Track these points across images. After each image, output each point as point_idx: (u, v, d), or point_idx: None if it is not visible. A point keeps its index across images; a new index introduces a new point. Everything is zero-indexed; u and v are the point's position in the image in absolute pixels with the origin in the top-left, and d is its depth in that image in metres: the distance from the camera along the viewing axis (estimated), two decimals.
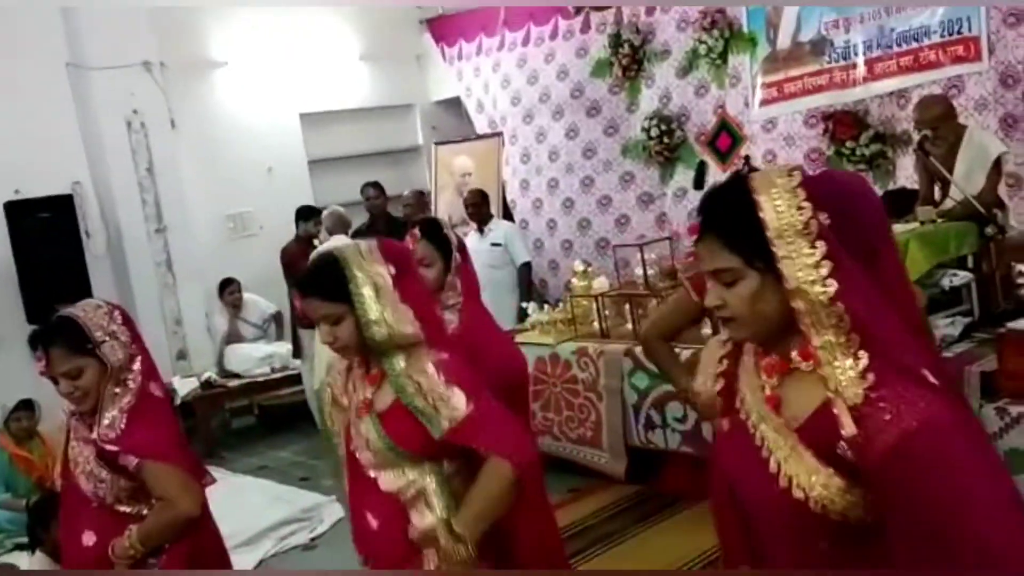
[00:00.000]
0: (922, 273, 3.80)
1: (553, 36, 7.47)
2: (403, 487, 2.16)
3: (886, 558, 1.32)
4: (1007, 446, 3.25)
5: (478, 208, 6.53)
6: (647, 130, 6.83)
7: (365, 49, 8.43)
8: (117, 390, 2.42)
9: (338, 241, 6.52)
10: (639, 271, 4.88)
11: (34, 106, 6.52)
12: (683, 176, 6.84)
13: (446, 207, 7.67)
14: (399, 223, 6.90)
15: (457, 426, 2.09)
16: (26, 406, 5.52)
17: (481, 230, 6.51)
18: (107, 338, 2.41)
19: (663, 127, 6.75)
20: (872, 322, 1.34)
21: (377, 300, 2.13)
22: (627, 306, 4.96)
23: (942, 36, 5.36)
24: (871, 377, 1.31)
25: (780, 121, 6.19)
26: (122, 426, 2.39)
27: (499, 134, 7.82)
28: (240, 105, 7.79)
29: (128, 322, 2.50)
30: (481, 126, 8.19)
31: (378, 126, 8.57)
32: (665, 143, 6.78)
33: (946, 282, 3.89)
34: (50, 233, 6.39)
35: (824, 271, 1.33)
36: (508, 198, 7.82)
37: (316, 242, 6.81)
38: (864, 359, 1.33)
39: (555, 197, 7.59)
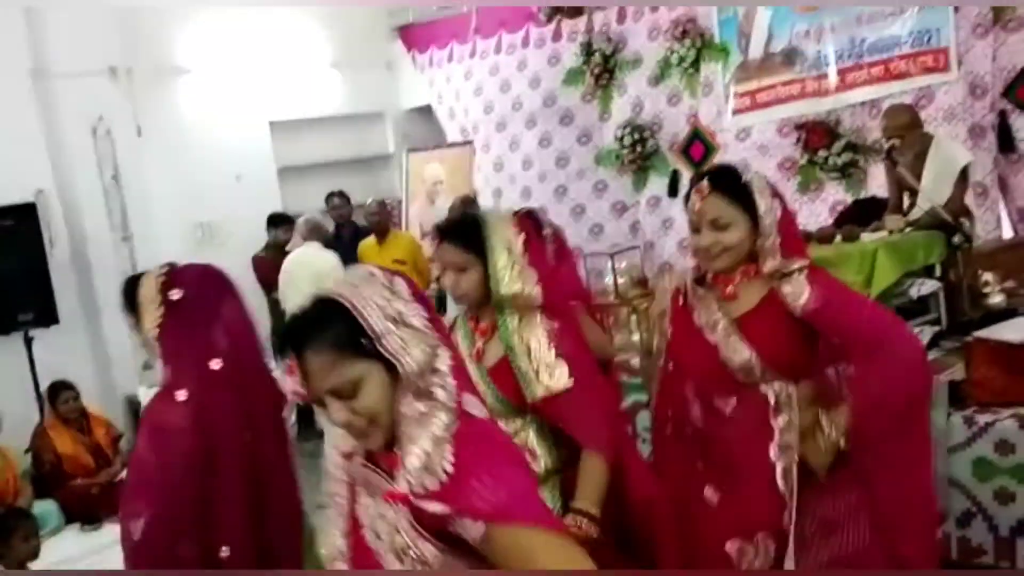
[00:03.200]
0: (891, 282, 3.79)
1: (525, 44, 7.44)
2: (512, 434, 2.29)
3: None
4: (974, 455, 3.24)
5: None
6: (620, 139, 6.81)
7: (336, 56, 8.36)
8: (422, 408, 1.48)
9: (312, 248, 6.46)
10: (610, 280, 4.85)
11: None
12: (656, 185, 6.83)
13: (417, 215, 7.61)
14: (364, 232, 6.85)
15: (551, 397, 2.26)
16: None
17: None
18: (392, 326, 1.48)
19: (636, 136, 6.73)
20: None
21: (508, 258, 2.32)
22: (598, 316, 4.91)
23: (912, 47, 5.39)
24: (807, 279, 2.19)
25: (754, 130, 6.19)
26: (447, 468, 1.44)
27: (470, 142, 7.78)
28: (208, 112, 7.68)
29: (421, 298, 1.56)
30: (453, 134, 8.15)
31: (349, 134, 8.49)
32: (638, 152, 6.76)
33: (914, 291, 3.89)
34: (12, 241, 6.25)
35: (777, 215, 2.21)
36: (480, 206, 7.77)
37: (287, 249, 6.76)
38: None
39: (528, 206, 7.53)
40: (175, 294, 2.33)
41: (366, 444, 1.52)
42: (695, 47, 6.37)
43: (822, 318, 2.16)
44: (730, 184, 2.20)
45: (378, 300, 1.47)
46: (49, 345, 6.26)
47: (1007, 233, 5.18)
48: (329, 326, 1.46)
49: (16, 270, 6.21)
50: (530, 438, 2.35)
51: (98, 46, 6.83)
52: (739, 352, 2.21)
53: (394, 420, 1.48)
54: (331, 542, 1.60)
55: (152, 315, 2.30)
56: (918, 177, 4.43)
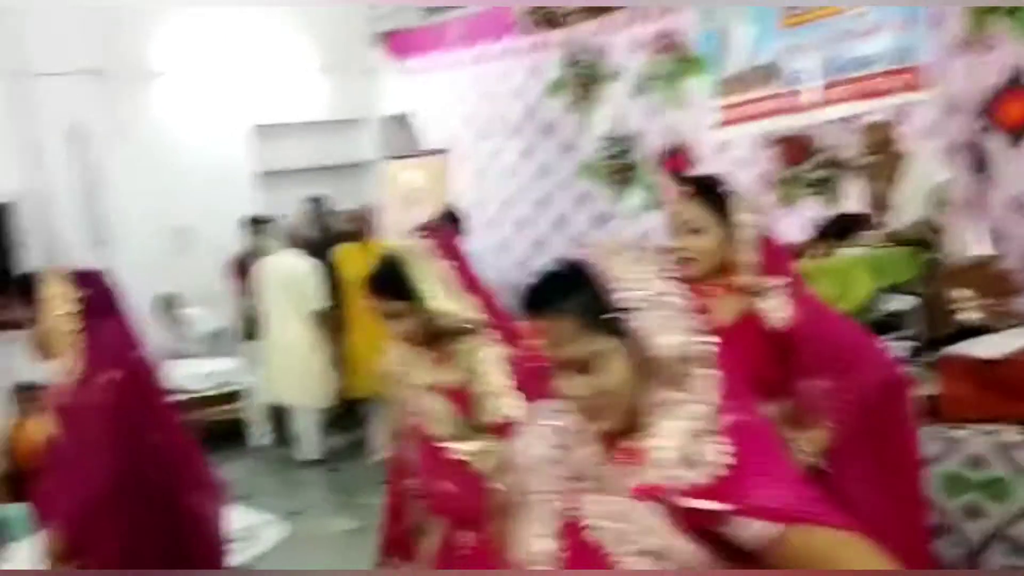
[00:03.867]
0: (866, 297, 3.82)
1: (507, 54, 7.45)
2: (472, 454, 2.38)
3: None
4: (946, 470, 3.26)
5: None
6: (601, 151, 6.83)
7: (317, 62, 8.34)
8: (674, 396, 1.35)
9: (291, 255, 6.42)
10: None
11: None
12: (638, 196, 6.85)
13: (395, 222, 7.58)
14: (342, 237, 6.82)
15: (499, 423, 2.31)
16: None
17: None
18: (648, 304, 1.34)
19: (616, 148, 6.76)
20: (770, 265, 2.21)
21: (444, 293, 2.39)
22: None
23: (889, 64, 5.44)
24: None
25: (733, 144, 6.23)
26: (724, 463, 1.31)
27: (445, 150, 7.78)
28: (187, 116, 7.65)
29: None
30: (433, 142, 8.13)
31: (328, 139, 8.47)
32: (619, 164, 6.78)
33: (889, 306, 3.92)
34: None
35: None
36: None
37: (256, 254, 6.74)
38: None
39: (510, 216, 7.55)
40: (86, 291, 2.52)
41: (596, 425, 1.35)
42: (676, 60, 6.41)
43: (801, 334, 2.12)
44: (708, 190, 2.21)
45: (637, 274, 1.34)
46: (21, 349, 6.17)
47: (980, 251, 5.23)
48: (578, 292, 1.33)
49: None
50: (487, 456, 2.36)
51: (76, 47, 6.80)
52: None
53: (634, 406, 1.33)
54: (535, 545, 1.42)
55: (63, 309, 2.48)
56: (895, 193, 4.48)
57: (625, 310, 1.31)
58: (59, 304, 2.50)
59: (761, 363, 2.18)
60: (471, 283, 2.49)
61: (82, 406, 2.45)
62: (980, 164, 5.19)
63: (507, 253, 7.56)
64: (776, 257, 2.24)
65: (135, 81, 7.36)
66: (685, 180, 2.29)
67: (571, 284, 1.34)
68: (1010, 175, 5.11)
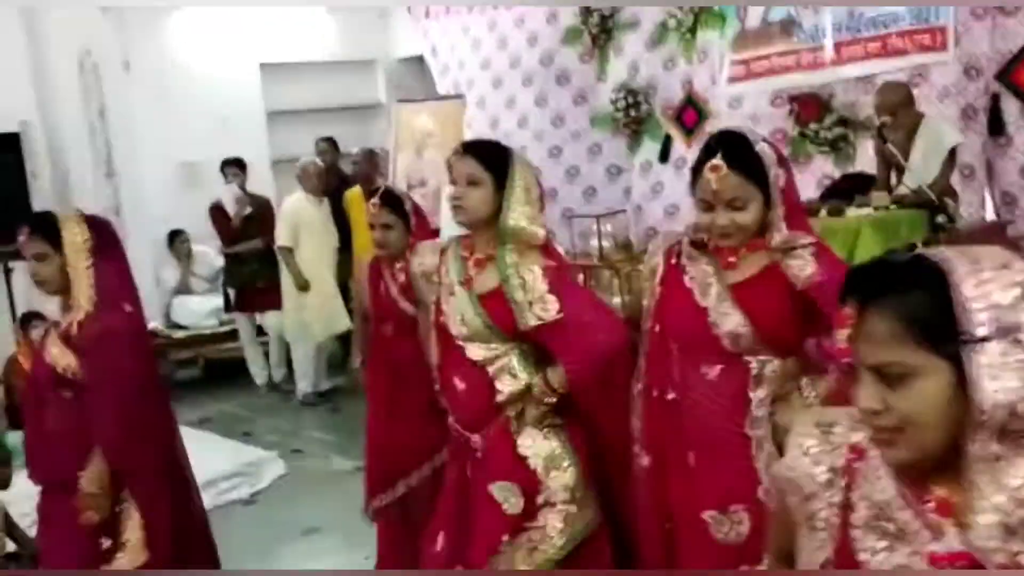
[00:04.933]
0: (872, 258, 3.81)
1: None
2: (489, 358, 2.46)
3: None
4: None
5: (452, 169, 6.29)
6: (614, 102, 6.76)
7: (329, 1, 8.25)
8: (1000, 451, 1.20)
9: (305, 196, 6.39)
10: (595, 242, 4.86)
11: None
12: (649, 149, 6.78)
13: (405, 166, 7.56)
14: (348, 180, 6.81)
15: (542, 326, 2.38)
16: None
17: None
18: (1004, 336, 1.15)
19: (630, 99, 6.68)
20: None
21: (524, 195, 2.43)
22: (580, 277, 4.93)
23: (910, 24, 5.35)
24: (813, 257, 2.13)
25: (746, 99, 6.16)
26: None
27: (462, 96, 7.71)
28: (198, 51, 7.59)
29: None
30: (446, 87, 8.06)
31: (340, 81, 8.41)
32: (632, 116, 6.71)
33: None
34: None
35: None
36: None
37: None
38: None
39: None
40: (96, 232, 2.69)
41: (887, 454, 1.16)
42: (693, 12, 6.31)
43: (825, 292, 2.03)
44: (745, 159, 2.11)
45: (998, 296, 1.09)
46: (28, 276, 6.22)
47: (990, 216, 5.21)
48: (914, 292, 1.11)
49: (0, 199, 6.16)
50: (512, 362, 2.46)
51: None
52: (729, 318, 2.15)
53: (941, 448, 1.12)
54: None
55: (82, 247, 2.64)
56: (907, 155, 4.44)
57: (968, 333, 1.08)
58: (76, 242, 2.65)
59: (779, 318, 2.16)
60: (542, 209, 2.53)
61: (109, 334, 2.61)
62: (996, 128, 5.14)
63: None
64: (797, 211, 2.21)
65: (148, 15, 7.30)
66: (716, 149, 2.12)
67: (909, 280, 1.13)
68: None
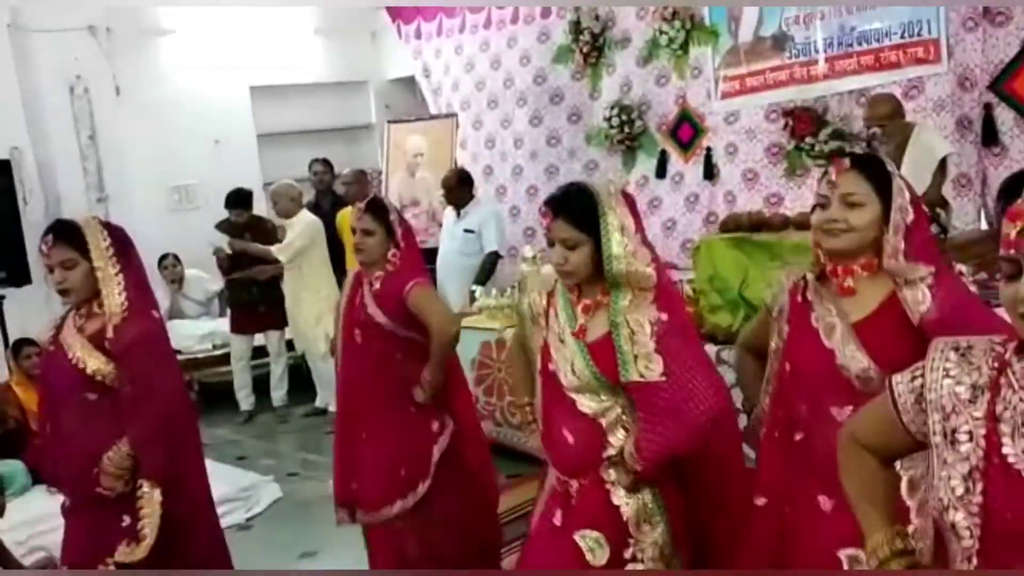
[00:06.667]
0: None
1: (514, 20, 7.36)
2: (601, 410, 2.37)
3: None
4: None
5: (451, 191, 6.24)
6: (608, 119, 6.77)
7: (319, 23, 8.25)
8: None
9: (306, 217, 6.38)
10: None
11: None
12: (645, 165, 6.78)
13: (397, 187, 7.54)
14: (343, 201, 6.78)
15: (642, 384, 2.30)
16: None
17: (458, 213, 6.26)
18: None
19: (624, 116, 6.69)
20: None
21: (623, 236, 2.32)
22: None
23: (902, 37, 5.37)
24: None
25: (742, 114, 6.17)
26: None
27: (454, 115, 7.71)
28: (189, 75, 7.57)
29: None
30: (440, 108, 8.06)
31: (330, 102, 8.41)
32: (626, 132, 6.71)
33: None
34: None
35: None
36: None
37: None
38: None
39: (520, 184, 7.50)
40: (115, 237, 2.75)
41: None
42: (684, 29, 6.32)
43: (942, 329, 1.92)
44: (872, 166, 2.10)
45: None
46: (22, 304, 6.17)
47: (984, 226, 5.21)
48: None
49: None
50: (624, 414, 2.37)
51: (78, 4, 6.72)
52: (856, 360, 2.07)
53: None
54: (955, 489, 1.33)
55: (107, 252, 2.69)
56: (898, 166, 4.43)
57: None
58: (101, 247, 2.69)
59: (902, 354, 1.98)
60: (645, 238, 2.40)
61: (146, 338, 2.71)
62: (990, 138, 5.15)
63: (517, 221, 7.52)
64: (924, 245, 2.11)
65: (138, 38, 7.29)
66: (849, 154, 2.13)
67: None
68: (1018, 150, 5.07)
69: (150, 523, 2.65)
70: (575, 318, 2.42)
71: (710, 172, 6.33)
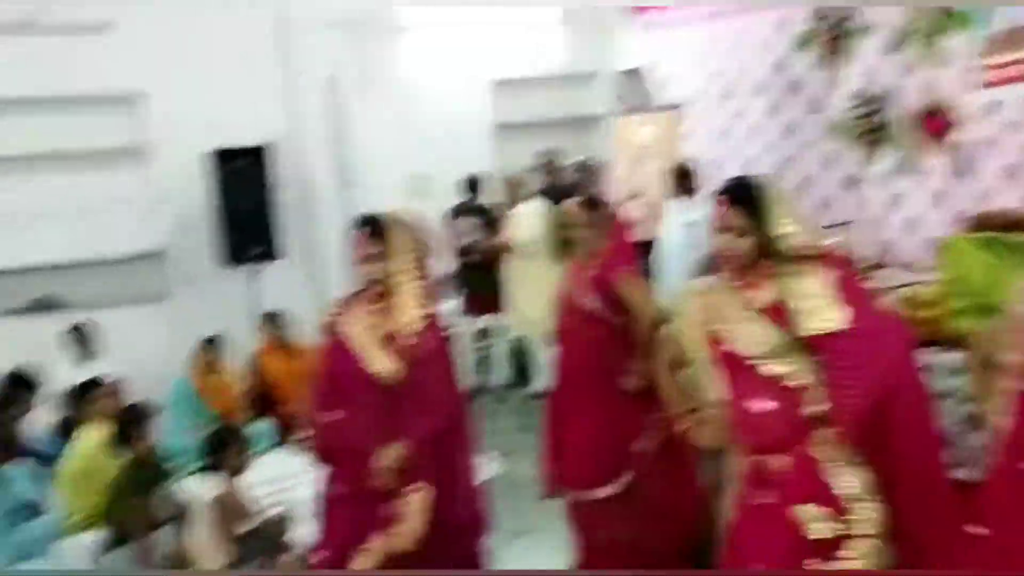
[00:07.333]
0: None
1: (752, 8, 7.15)
2: (791, 373, 2.38)
3: None
4: None
5: (675, 183, 6.33)
6: (853, 109, 6.45)
7: (561, 15, 8.36)
8: None
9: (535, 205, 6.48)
10: None
11: (240, 61, 6.89)
12: (889, 159, 6.39)
13: (623, 178, 7.53)
14: (567, 191, 6.85)
15: (823, 336, 2.33)
16: (211, 342, 5.88)
17: (683, 205, 6.27)
18: None
19: (868, 107, 6.36)
20: None
21: (785, 213, 2.44)
22: None
23: None
24: None
25: (1003, 106, 5.69)
26: None
27: (678, 106, 7.59)
28: (430, 69, 7.89)
29: None
30: (672, 98, 7.96)
31: (563, 93, 8.49)
32: (870, 124, 6.38)
33: None
34: (246, 181, 6.73)
35: None
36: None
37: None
38: None
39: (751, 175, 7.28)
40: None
41: None
42: (935, 15, 5.91)
43: None
44: None
45: None
46: (273, 278, 6.73)
47: None
48: None
49: (249, 207, 6.70)
50: (814, 377, 2.37)
51: (335, 2, 7.17)
52: None
53: None
54: None
55: (411, 254, 2.81)
56: None
57: None
58: (406, 249, 2.83)
59: None
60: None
61: (436, 350, 2.84)
62: None
63: None
64: None
65: (384, 35, 7.70)
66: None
67: None
68: None
69: (415, 520, 2.77)
70: (743, 296, 2.47)
71: (963, 167, 5.87)
